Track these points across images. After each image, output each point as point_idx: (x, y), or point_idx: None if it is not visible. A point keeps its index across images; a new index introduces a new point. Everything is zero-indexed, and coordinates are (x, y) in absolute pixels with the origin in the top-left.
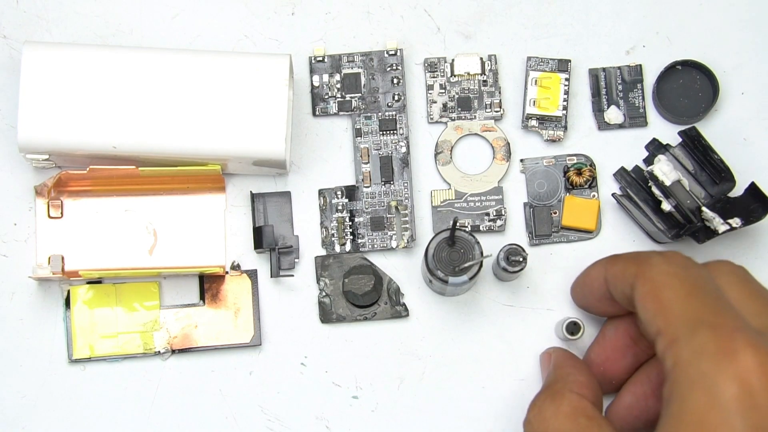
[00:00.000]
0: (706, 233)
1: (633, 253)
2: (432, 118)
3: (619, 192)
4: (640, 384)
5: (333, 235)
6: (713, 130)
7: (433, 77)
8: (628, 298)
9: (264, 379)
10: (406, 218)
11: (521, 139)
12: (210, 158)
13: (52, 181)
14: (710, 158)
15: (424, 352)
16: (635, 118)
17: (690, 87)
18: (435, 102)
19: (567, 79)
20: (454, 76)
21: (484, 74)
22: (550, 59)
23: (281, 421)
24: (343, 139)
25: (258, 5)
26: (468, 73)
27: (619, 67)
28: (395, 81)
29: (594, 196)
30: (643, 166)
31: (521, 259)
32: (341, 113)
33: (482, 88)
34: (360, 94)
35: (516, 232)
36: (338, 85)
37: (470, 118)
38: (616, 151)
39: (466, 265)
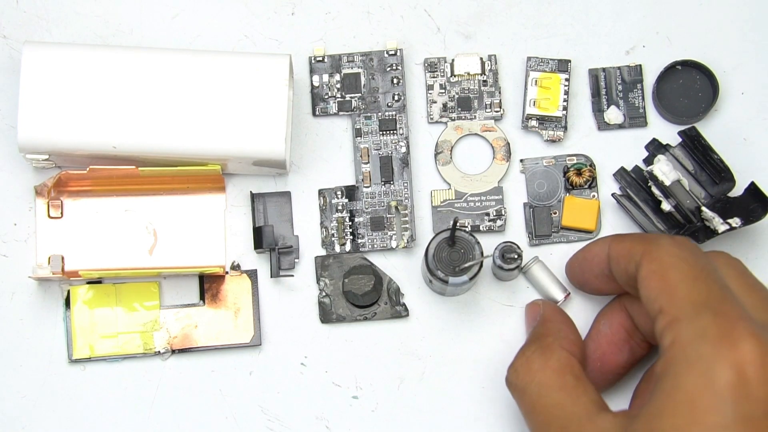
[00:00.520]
0: (706, 233)
1: (640, 234)
2: (432, 118)
3: (619, 192)
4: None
5: (333, 235)
6: (713, 130)
7: (433, 77)
8: (630, 277)
9: (264, 379)
10: (406, 218)
11: (521, 139)
12: (210, 158)
13: (52, 181)
14: (710, 158)
15: (424, 352)
16: (635, 118)
17: (690, 87)
18: (435, 102)
19: (567, 80)
20: (454, 76)
21: (484, 74)
22: (550, 59)
23: (281, 421)
24: (343, 139)
25: (258, 5)
26: (468, 73)
27: (619, 67)
28: (395, 81)
29: (594, 196)
30: (643, 166)
31: (516, 257)
32: (341, 113)
33: (482, 88)
34: (360, 94)
35: (516, 232)
36: (338, 85)
37: (470, 118)
38: (616, 151)
39: (466, 265)
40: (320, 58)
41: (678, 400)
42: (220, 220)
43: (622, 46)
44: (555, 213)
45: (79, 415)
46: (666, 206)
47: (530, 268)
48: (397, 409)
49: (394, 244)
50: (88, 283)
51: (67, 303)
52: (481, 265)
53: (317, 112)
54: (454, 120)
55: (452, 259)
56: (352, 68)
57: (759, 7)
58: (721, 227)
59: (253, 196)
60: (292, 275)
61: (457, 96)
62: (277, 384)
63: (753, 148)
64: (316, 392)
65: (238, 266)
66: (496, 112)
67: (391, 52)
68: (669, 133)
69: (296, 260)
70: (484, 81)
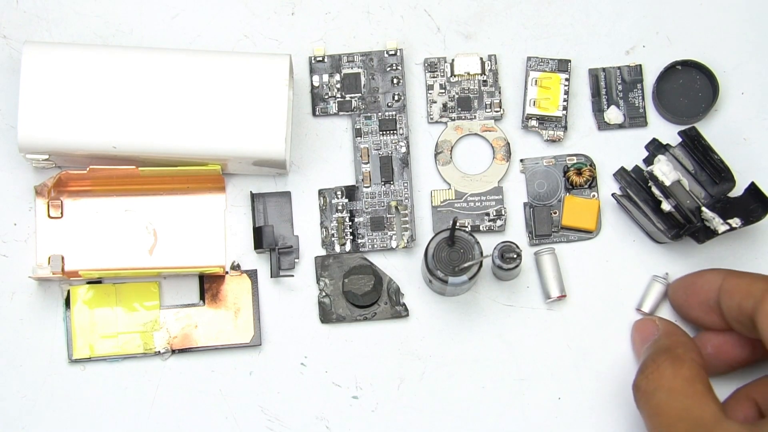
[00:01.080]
0: (706, 233)
1: (760, 274)
2: (432, 118)
3: (619, 192)
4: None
5: (333, 235)
6: (713, 130)
7: (433, 77)
8: (743, 313)
9: (264, 379)
10: (406, 218)
11: (521, 139)
12: (210, 158)
13: (52, 181)
14: (710, 158)
15: (424, 352)
16: (635, 118)
17: (690, 87)
18: (435, 102)
19: (567, 79)
20: (454, 76)
21: (484, 74)
22: (550, 59)
23: (281, 421)
24: (343, 139)
25: (258, 5)
26: (468, 73)
27: (619, 67)
28: (395, 81)
29: (594, 196)
30: (643, 166)
31: (515, 256)
32: (341, 113)
33: (482, 88)
34: (360, 94)
35: (516, 232)
36: (338, 85)
37: (470, 118)
38: (616, 151)
39: (466, 265)
40: (320, 58)
41: None
42: (220, 220)
43: (622, 46)
44: (555, 213)
45: (79, 415)
46: (666, 206)
47: (542, 256)
48: (397, 409)
49: (394, 244)
50: (88, 283)
51: (67, 303)
52: (480, 265)
53: (317, 112)
54: (454, 120)
55: (452, 259)
56: (352, 68)
57: (759, 7)
58: (722, 227)
59: (253, 196)
60: (292, 275)
61: (457, 96)
62: (277, 384)
63: (753, 148)
64: (316, 392)
65: (238, 266)
66: (496, 112)
67: (391, 52)
68: (669, 133)
69: (296, 260)
70: (484, 81)
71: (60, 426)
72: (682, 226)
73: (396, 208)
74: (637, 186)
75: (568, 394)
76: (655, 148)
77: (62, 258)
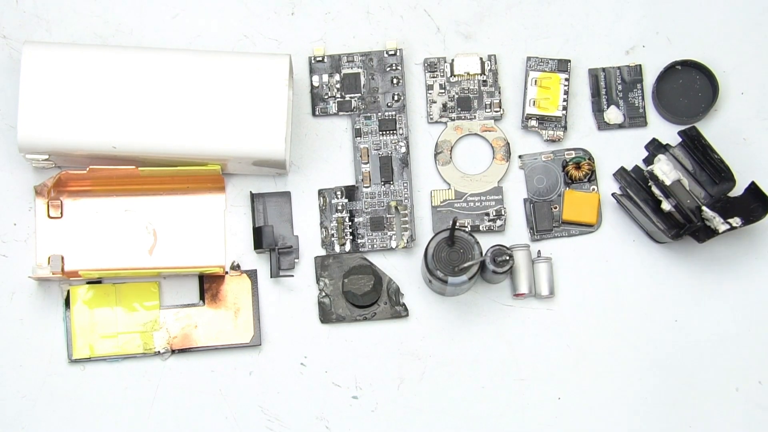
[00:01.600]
0: (706, 233)
1: None
2: (432, 118)
3: (619, 192)
4: None
5: (333, 235)
6: (713, 130)
7: (433, 77)
8: None
9: (264, 379)
10: (406, 218)
11: (521, 139)
12: (210, 158)
13: (52, 181)
14: (710, 158)
15: (424, 352)
16: (635, 118)
17: (690, 87)
18: (435, 102)
19: (567, 79)
20: (454, 76)
21: (484, 74)
22: (550, 59)
23: (281, 421)
24: (343, 139)
25: (258, 5)
26: (468, 73)
27: (618, 67)
28: (395, 81)
29: (593, 189)
30: (643, 166)
31: (507, 258)
32: (341, 113)
33: (482, 88)
34: (360, 94)
35: (516, 231)
36: (338, 85)
37: (470, 118)
38: (616, 151)
39: (466, 265)
40: (320, 58)
41: None
42: (220, 220)
43: (622, 46)
44: (555, 208)
45: (79, 415)
46: (666, 206)
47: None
48: (397, 409)
49: (393, 244)
50: (88, 283)
51: (67, 303)
52: (480, 265)
53: (317, 112)
54: (453, 120)
55: (452, 259)
56: (351, 68)
57: (759, 7)
58: (722, 227)
59: (253, 196)
60: (292, 275)
61: (456, 96)
62: (277, 384)
63: (753, 148)
64: (316, 392)
65: (238, 266)
66: (496, 112)
67: (391, 52)
68: (669, 133)
69: (296, 260)
70: (484, 81)
71: (60, 426)
72: (682, 226)
73: (396, 208)
74: (637, 186)
75: (568, 394)
76: (655, 148)
77: (62, 258)
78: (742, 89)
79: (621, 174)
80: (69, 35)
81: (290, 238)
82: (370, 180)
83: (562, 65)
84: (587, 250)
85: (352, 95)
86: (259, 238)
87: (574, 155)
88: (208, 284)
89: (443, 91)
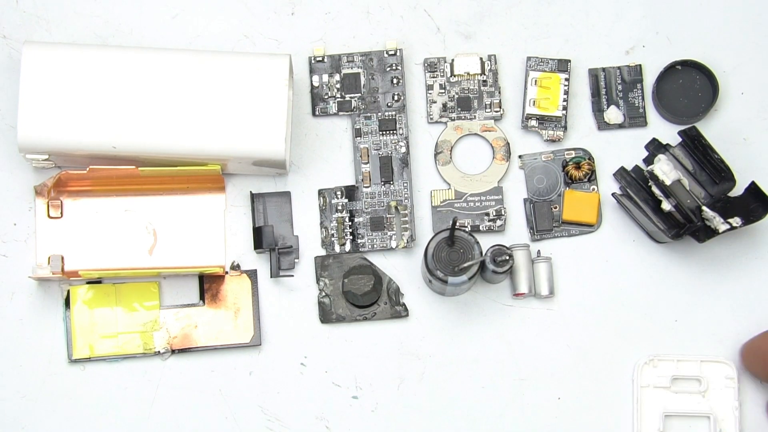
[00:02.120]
0: (707, 233)
1: None
2: (432, 118)
3: (619, 192)
4: None
5: (333, 235)
6: (713, 130)
7: (433, 77)
8: None
9: (264, 379)
10: (406, 218)
11: (521, 139)
12: (210, 158)
13: (52, 181)
14: (710, 158)
15: (424, 352)
16: (635, 118)
17: (690, 87)
18: (435, 102)
19: (567, 79)
20: (454, 76)
21: (484, 74)
22: (550, 59)
23: (281, 421)
24: (343, 139)
25: (258, 5)
26: (468, 73)
27: (618, 67)
28: (395, 81)
29: (593, 189)
30: (643, 166)
31: (508, 257)
32: (341, 113)
33: (482, 88)
34: (360, 94)
35: (516, 231)
36: (338, 85)
37: (470, 118)
38: (616, 151)
39: (466, 265)
40: (320, 58)
41: None
42: (220, 220)
43: (622, 46)
44: (555, 207)
45: (79, 415)
46: (666, 206)
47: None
48: (397, 409)
49: (393, 244)
50: (88, 283)
51: (67, 303)
52: (480, 265)
53: (317, 112)
54: (453, 120)
55: (452, 259)
56: (351, 68)
57: (759, 7)
58: (722, 227)
59: (253, 196)
60: (292, 275)
61: (456, 96)
62: (277, 384)
63: (753, 148)
64: (316, 392)
65: (238, 266)
66: (496, 112)
67: (390, 52)
68: (669, 133)
69: (296, 260)
70: (484, 81)
71: (60, 426)
72: (683, 226)
73: (396, 208)
74: (637, 186)
75: (568, 394)
76: (655, 147)
77: (62, 258)
78: (742, 89)
79: (621, 174)
80: (69, 35)
81: (290, 238)
82: (370, 180)
83: (562, 65)
84: (587, 250)
85: (352, 95)
86: (259, 238)
87: (574, 155)
88: (208, 284)
89: (443, 91)
